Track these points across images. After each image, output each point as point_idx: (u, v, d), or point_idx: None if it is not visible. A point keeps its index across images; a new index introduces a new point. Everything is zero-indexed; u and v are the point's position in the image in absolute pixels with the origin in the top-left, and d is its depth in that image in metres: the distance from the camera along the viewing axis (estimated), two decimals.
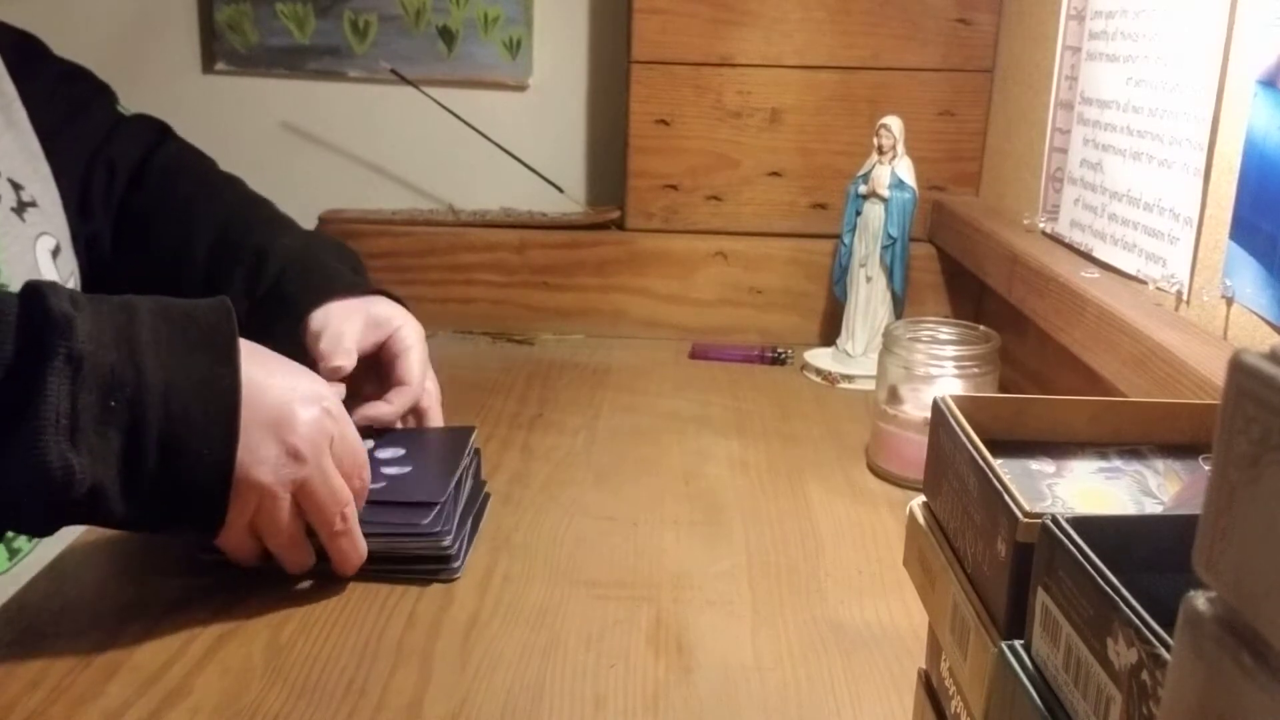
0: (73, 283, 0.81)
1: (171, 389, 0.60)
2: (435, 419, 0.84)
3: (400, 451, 0.78)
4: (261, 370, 0.64)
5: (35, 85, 0.84)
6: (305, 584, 0.69)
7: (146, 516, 0.61)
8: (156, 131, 0.96)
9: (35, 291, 0.58)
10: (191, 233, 0.89)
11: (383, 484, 0.73)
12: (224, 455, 0.61)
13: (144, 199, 0.91)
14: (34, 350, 0.56)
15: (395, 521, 0.70)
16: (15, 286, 0.71)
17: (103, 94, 0.94)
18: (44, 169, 0.83)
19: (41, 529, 0.63)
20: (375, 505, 0.70)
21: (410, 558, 0.70)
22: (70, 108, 0.90)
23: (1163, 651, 0.28)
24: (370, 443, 0.76)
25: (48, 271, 0.78)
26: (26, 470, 0.56)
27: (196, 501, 0.62)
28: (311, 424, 0.64)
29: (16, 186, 0.79)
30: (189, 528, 0.65)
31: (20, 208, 0.78)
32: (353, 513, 0.67)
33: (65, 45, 0.93)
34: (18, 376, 0.56)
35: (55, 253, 0.80)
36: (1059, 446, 0.49)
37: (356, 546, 0.68)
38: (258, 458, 0.62)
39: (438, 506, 0.71)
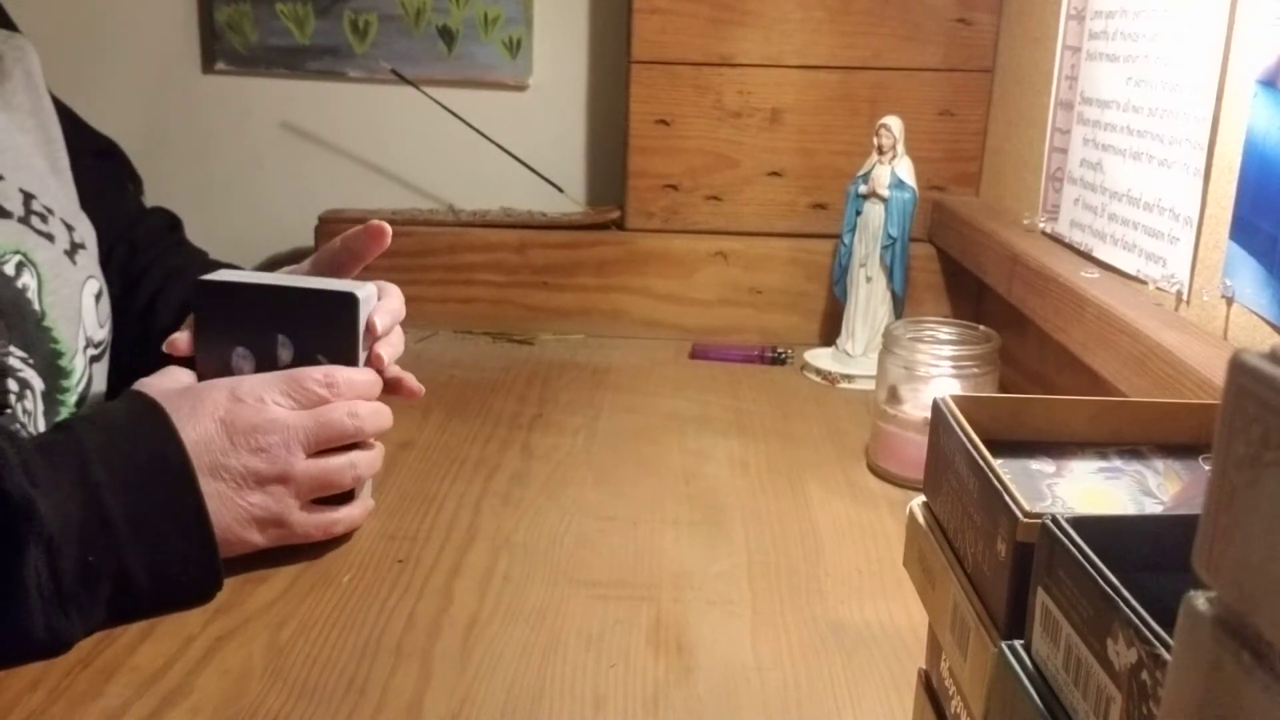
0: (106, 328, 0.83)
1: (141, 524, 0.62)
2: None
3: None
4: (203, 455, 0.66)
5: (74, 151, 0.86)
6: (305, 584, 0.69)
7: (146, 616, 0.65)
8: (170, 220, 0.99)
9: None
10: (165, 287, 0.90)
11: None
12: (209, 566, 0.66)
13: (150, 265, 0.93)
14: (4, 541, 0.58)
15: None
16: (60, 331, 0.74)
17: (136, 181, 0.99)
18: (85, 215, 0.85)
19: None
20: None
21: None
22: (105, 184, 0.92)
23: (1163, 651, 0.28)
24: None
25: (89, 318, 0.79)
26: (18, 641, 0.59)
27: (194, 598, 0.66)
28: (251, 454, 0.67)
29: (69, 228, 0.80)
30: (195, 604, 0.67)
31: (73, 250, 0.80)
32: (355, 429, 0.71)
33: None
34: None
35: (98, 297, 0.81)
36: (1059, 446, 0.49)
37: (380, 421, 0.72)
38: (242, 536, 0.68)
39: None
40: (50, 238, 0.77)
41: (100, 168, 0.93)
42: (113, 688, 0.58)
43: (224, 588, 0.68)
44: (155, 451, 0.64)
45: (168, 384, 0.70)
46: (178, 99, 1.33)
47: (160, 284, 0.88)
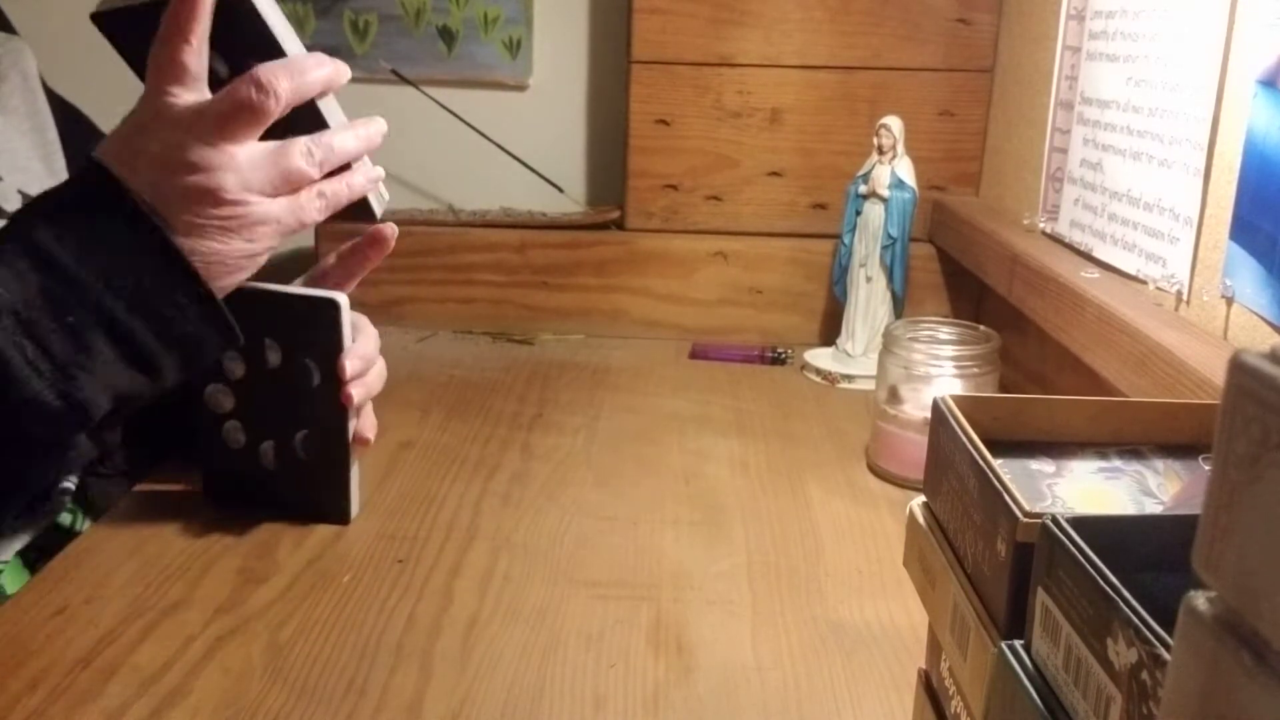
0: None
1: (106, 271, 0.59)
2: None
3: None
4: (147, 171, 0.61)
5: (76, 151, 0.85)
6: (305, 584, 0.69)
7: (187, 372, 0.63)
8: None
9: None
10: None
11: None
12: (196, 290, 0.61)
13: None
14: None
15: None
16: None
17: None
18: None
19: (92, 453, 0.64)
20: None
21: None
22: None
23: (1163, 651, 0.28)
24: None
25: None
26: (37, 420, 0.57)
27: (211, 331, 0.63)
28: (214, 160, 0.61)
29: None
30: (225, 347, 0.65)
31: None
32: (318, 148, 0.66)
33: (65, 46, 0.93)
34: None
35: None
36: (1059, 446, 0.49)
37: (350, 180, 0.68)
38: (222, 251, 0.62)
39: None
40: None
41: None
42: (113, 688, 0.58)
43: (224, 588, 0.68)
44: (96, 198, 0.61)
45: None
46: None
47: None
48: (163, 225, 0.61)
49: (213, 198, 0.61)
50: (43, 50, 0.88)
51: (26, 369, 0.57)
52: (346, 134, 0.68)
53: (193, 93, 0.63)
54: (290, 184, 0.64)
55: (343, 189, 0.68)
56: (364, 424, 0.76)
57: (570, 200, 1.32)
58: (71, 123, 0.89)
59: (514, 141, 1.28)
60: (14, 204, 0.75)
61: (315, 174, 0.66)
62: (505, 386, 1.08)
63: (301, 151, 0.65)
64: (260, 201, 0.63)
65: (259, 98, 0.62)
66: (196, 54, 0.63)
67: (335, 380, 0.73)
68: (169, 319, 0.61)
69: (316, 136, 0.66)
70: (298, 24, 1.30)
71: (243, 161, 0.62)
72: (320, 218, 0.67)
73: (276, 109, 0.63)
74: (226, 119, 0.62)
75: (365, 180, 0.69)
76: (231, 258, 0.63)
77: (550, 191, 1.30)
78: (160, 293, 0.61)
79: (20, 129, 0.81)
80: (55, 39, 0.94)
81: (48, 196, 0.62)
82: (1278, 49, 0.67)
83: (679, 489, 0.86)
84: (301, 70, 0.65)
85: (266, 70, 0.63)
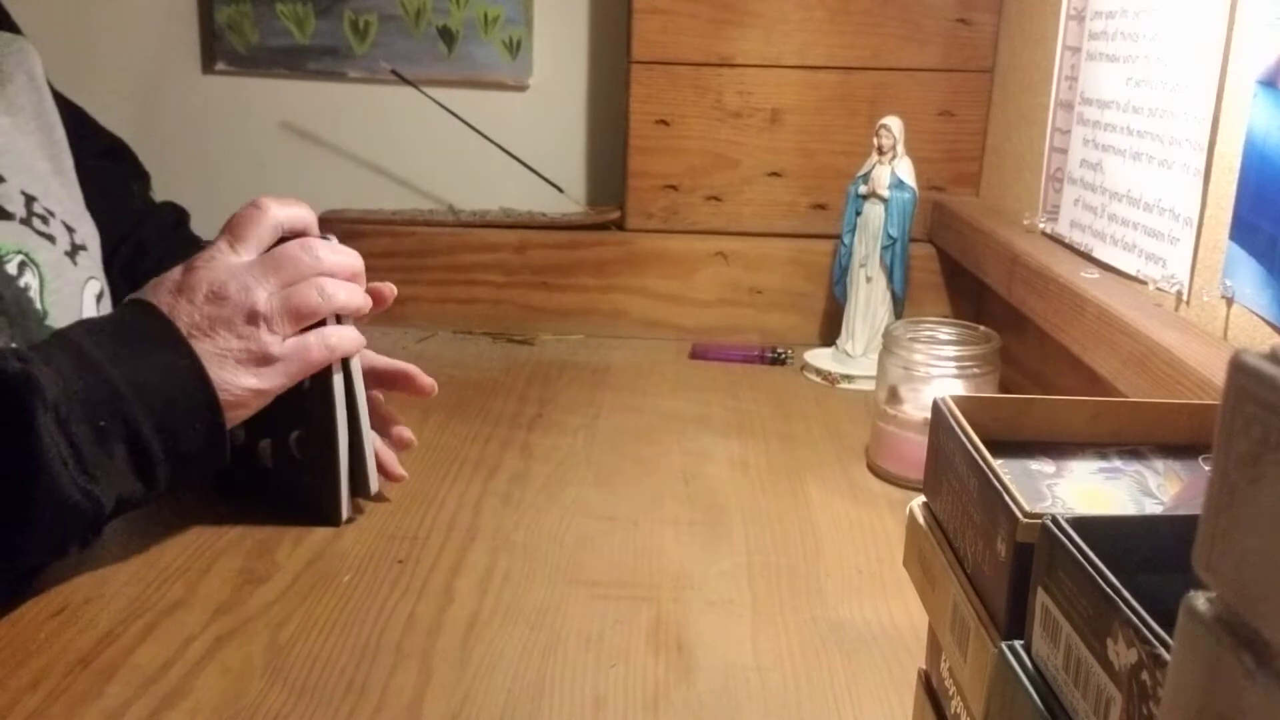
0: None
1: (142, 387, 0.64)
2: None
3: None
4: (188, 311, 0.67)
5: (80, 152, 0.86)
6: (305, 584, 0.69)
7: (169, 487, 0.67)
8: (178, 215, 0.99)
9: None
10: None
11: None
12: (213, 419, 0.67)
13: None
14: (11, 415, 0.59)
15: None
16: (55, 323, 0.75)
17: (143, 180, 0.98)
18: (88, 217, 0.85)
19: (82, 547, 0.68)
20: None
21: None
22: (110, 184, 0.91)
23: (1163, 651, 0.28)
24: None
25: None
26: (57, 515, 0.61)
27: (209, 456, 0.68)
28: (210, 303, 0.68)
29: (70, 229, 0.81)
30: (211, 470, 0.70)
31: (73, 250, 0.80)
32: (329, 283, 0.71)
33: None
34: (9, 443, 0.59)
35: (99, 297, 0.82)
36: (1059, 446, 0.49)
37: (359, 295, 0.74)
38: (238, 381, 0.68)
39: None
40: (51, 239, 0.77)
41: (106, 168, 0.92)
42: (113, 688, 0.58)
43: (224, 587, 0.68)
44: (139, 323, 0.67)
45: None
46: (178, 99, 1.34)
47: None
48: (198, 354, 0.66)
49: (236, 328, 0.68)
50: (43, 51, 0.88)
51: (58, 463, 0.60)
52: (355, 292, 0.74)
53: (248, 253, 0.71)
54: (300, 320, 0.70)
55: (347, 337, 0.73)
56: (419, 377, 0.81)
57: (570, 200, 1.32)
58: (76, 122, 0.89)
59: (514, 141, 1.28)
60: (17, 204, 0.75)
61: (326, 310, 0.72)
62: (505, 387, 1.08)
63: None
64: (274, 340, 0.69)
65: (321, 300, 0.71)
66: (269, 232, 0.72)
67: (324, 384, 0.73)
68: (180, 438, 0.66)
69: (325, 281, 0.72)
70: (298, 24, 1.30)
71: (264, 305, 0.69)
72: (321, 361, 0.72)
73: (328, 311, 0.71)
74: (283, 288, 0.70)
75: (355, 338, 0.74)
76: (243, 390, 0.69)
77: (550, 191, 1.30)
78: (184, 415, 0.66)
79: (26, 129, 0.82)
80: (55, 37, 0.94)
81: (94, 319, 0.69)
82: (1278, 49, 0.67)
83: (679, 489, 0.86)
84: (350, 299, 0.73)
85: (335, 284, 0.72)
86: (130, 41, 1.31)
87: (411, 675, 0.61)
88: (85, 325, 0.67)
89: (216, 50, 1.31)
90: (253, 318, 0.68)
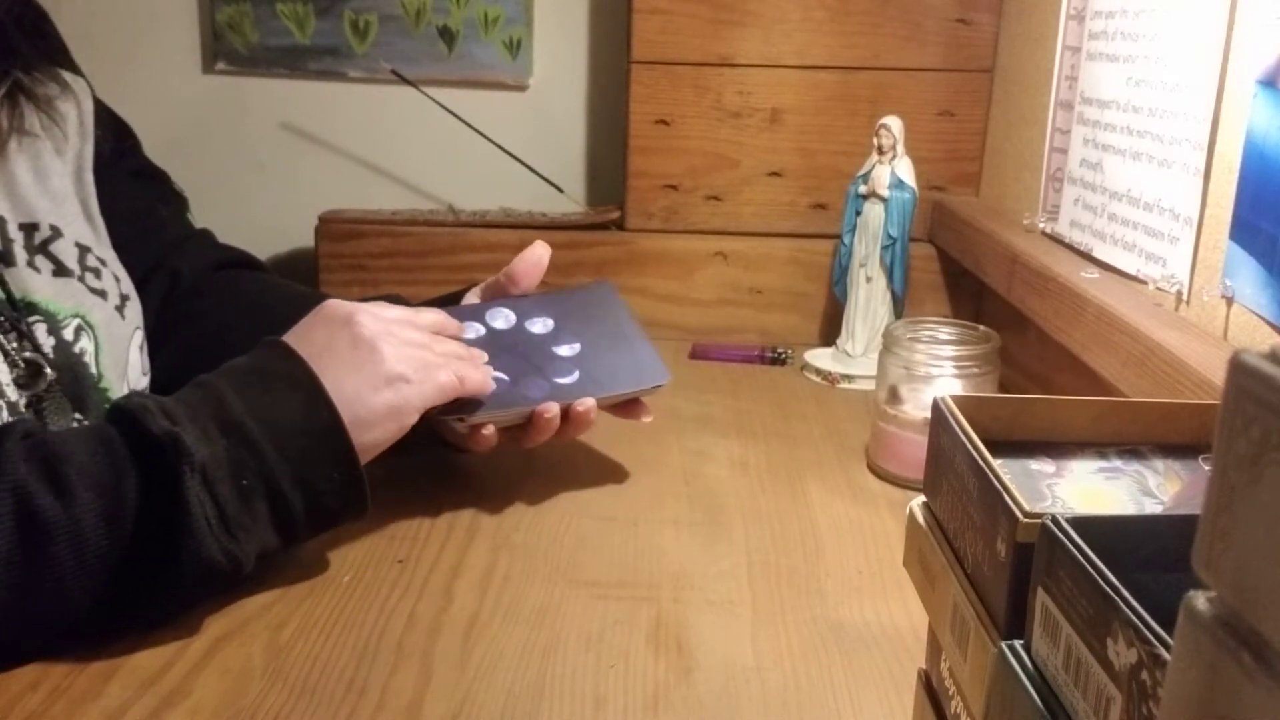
0: (148, 377, 0.83)
1: (284, 445, 0.65)
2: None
3: (573, 342, 0.85)
4: (333, 367, 0.68)
5: (112, 173, 0.85)
6: (305, 584, 0.69)
7: (308, 537, 0.69)
8: (219, 247, 0.97)
9: (128, 418, 0.61)
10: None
11: (574, 376, 0.82)
12: (353, 473, 0.67)
13: (206, 303, 0.90)
14: (160, 476, 0.60)
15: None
16: (113, 390, 0.75)
17: (176, 204, 0.96)
18: (114, 256, 0.83)
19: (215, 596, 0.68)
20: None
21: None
22: (143, 208, 0.90)
23: (1163, 651, 0.28)
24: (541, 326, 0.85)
25: (134, 372, 0.80)
26: (200, 574, 0.61)
27: (348, 511, 0.69)
28: (396, 355, 0.70)
29: (117, 279, 0.80)
30: (351, 519, 0.71)
31: (122, 303, 0.80)
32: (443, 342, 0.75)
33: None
34: (158, 505, 0.60)
35: (141, 348, 0.82)
36: (1059, 446, 0.49)
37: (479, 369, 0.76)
38: (375, 436, 0.69)
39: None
40: (103, 295, 0.77)
41: (134, 190, 0.89)
42: (113, 688, 0.58)
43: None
44: (283, 373, 0.67)
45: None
46: (178, 99, 1.33)
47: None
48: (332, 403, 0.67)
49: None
50: None
51: (204, 525, 0.61)
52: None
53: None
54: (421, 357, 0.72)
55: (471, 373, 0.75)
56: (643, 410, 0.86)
57: (570, 200, 1.31)
58: (122, 136, 0.88)
59: (514, 141, 1.28)
60: (72, 259, 0.77)
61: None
62: None
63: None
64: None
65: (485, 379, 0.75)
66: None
67: None
68: (320, 491, 0.66)
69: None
70: (298, 24, 1.30)
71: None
72: (448, 382, 0.73)
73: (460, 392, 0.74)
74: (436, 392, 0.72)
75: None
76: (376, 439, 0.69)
77: (550, 191, 1.30)
78: (320, 464, 0.66)
79: (68, 173, 0.81)
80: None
81: (236, 365, 0.68)
82: (1278, 49, 0.67)
83: (679, 489, 0.86)
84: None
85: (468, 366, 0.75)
86: (130, 41, 1.31)
87: (411, 675, 0.61)
88: (231, 375, 0.67)
89: (216, 50, 1.31)
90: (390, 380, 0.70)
